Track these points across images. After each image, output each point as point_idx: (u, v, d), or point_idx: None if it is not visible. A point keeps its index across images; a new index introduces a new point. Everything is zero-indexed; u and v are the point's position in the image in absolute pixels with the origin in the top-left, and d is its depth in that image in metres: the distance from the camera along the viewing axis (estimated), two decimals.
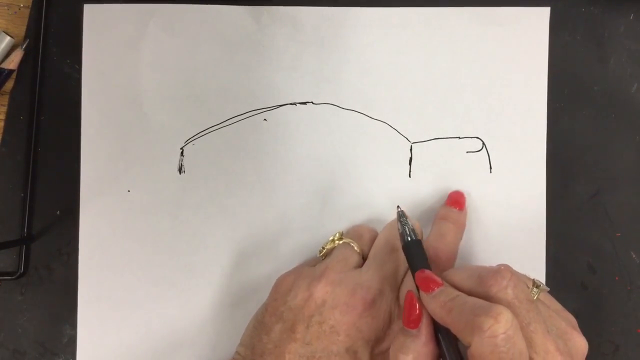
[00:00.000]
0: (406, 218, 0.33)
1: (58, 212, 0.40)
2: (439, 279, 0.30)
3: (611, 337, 0.38)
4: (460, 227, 0.36)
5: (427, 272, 0.30)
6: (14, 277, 0.39)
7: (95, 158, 0.40)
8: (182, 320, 0.39)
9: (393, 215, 0.38)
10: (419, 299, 0.30)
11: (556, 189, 0.38)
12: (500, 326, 0.26)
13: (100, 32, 0.40)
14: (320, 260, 0.36)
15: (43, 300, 0.40)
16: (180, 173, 0.39)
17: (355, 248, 0.35)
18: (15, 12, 0.41)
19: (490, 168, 0.38)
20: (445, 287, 0.29)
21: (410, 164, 0.39)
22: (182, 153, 0.39)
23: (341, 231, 0.37)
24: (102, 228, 0.39)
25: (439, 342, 0.29)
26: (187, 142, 0.40)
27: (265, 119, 0.39)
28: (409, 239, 0.32)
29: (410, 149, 0.39)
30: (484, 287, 0.28)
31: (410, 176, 0.39)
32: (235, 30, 0.40)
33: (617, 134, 0.39)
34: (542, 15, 0.38)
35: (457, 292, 0.28)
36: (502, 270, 0.28)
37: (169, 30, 0.40)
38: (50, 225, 0.40)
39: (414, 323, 0.29)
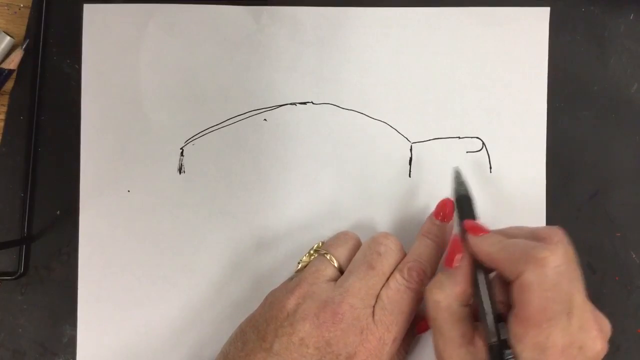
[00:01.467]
0: (461, 175, 0.35)
1: (58, 212, 0.40)
2: (487, 228, 0.31)
3: (611, 337, 0.38)
4: (440, 242, 0.35)
5: (477, 221, 0.32)
6: (14, 277, 0.39)
7: (95, 158, 0.40)
8: (182, 320, 0.39)
9: (393, 215, 0.38)
10: (463, 241, 0.32)
11: (556, 189, 0.38)
12: (555, 258, 0.27)
13: (100, 32, 0.40)
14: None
15: (43, 300, 0.40)
16: (180, 173, 0.39)
17: (332, 261, 0.34)
18: (15, 12, 0.41)
19: (490, 168, 0.38)
20: (496, 233, 0.31)
21: (410, 164, 0.39)
22: (182, 153, 0.39)
23: (322, 241, 0.36)
24: (102, 228, 0.39)
25: (475, 284, 0.31)
26: (187, 142, 0.40)
27: (265, 119, 0.39)
28: (461, 192, 0.34)
29: (410, 149, 0.39)
30: (537, 239, 0.29)
31: (410, 176, 0.39)
32: (235, 30, 0.40)
33: (617, 134, 0.39)
34: (542, 15, 0.38)
35: (508, 238, 0.30)
36: (557, 228, 0.29)
37: (169, 30, 0.40)
38: (50, 225, 0.40)
39: (450, 262, 0.31)
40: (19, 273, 0.39)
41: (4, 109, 0.40)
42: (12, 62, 0.40)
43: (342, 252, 0.35)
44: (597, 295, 0.38)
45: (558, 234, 0.29)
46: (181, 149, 0.40)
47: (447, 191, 0.38)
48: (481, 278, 0.31)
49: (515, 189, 0.38)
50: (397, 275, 0.33)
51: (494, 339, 0.29)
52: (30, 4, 0.40)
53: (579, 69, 0.39)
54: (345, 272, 0.34)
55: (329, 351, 0.31)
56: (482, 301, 0.30)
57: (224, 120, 0.39)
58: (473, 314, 0.31)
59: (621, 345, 0.38)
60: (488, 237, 0.31)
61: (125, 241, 0.39)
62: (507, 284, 0.30)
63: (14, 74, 0.40)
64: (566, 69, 0.39)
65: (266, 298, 0.34)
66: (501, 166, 0.38)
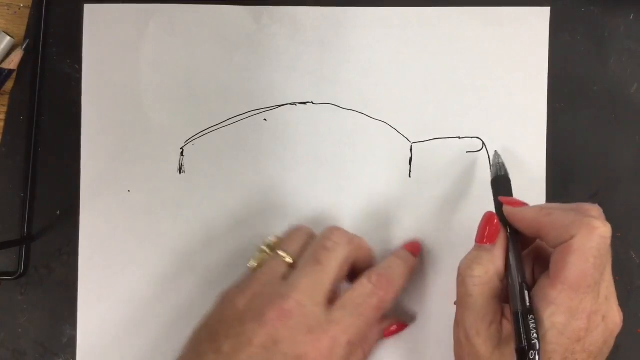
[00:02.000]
0: (499, 157, 0.36)
1: (58, 212, 0.40)
2: (525, 202, 0.33)
3: None
4: (409, 267, 0.35)
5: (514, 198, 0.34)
6: (14, 277, 0.39)
7: (96, 158, 0.40)
8: (182, 320, 0.39)
9: (393, 215, 0.38)
10: (498, 216, 0.33)
11: (556, 189, 0.38)
12: (605, 230, 0.29)
13: (100, 32, 0.40)
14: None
15: (43, 300, 0.40)
16: (180, 173, 0.39)
17: (286, 259, 0.34)
18: (15, 12, 0.41)
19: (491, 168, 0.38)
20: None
21: (410, 164, 0.39)
22: (182, 153, 0.39)
23: (275, 236, 0.36)
24: (102, 228, 0.39)
25: (507, 259, 0.32)
26: (187, 142, 0.40)
27: (265, 119, 0.39)
28: (500, 173, 0.35)
29: (410, 149, 0.39)
30: (581, 211, 0.30)
31: (410, 176, 0.39)
32: (235, 30, 0.40)
33: (617, 134, 0.39)
34: (542, 15, 0.38)
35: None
36: (596, 205, 0.30)
37: (169, 30, 0.40)
38: (50, 225, 0.40)
39: (492, 238, 0.32)
40: (19, 273, 0.39)
41: (4, 109, 0.40)
42: (12, 62, 0.40)
43: (297, 249, 0.34)
44: None
45: (599, 210, 0.30)
46: (181, 149, 0.40)
47: (446, 191, 0.38)
48: (514, 252, 0.32)
49: (515, 189, 0.38)
50: (363, 280, 0.33)
51: (522, 306, 0.29)
52: (30, 4, 0.40)
53: (579, 69, 0.39)
54: (294, 269, 0.33)
55: (276, 351, 0.30)
56: (512, 269, 0.31)
57: (224, 120, 0.39)
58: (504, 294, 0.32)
59: (621, 345, 0.38)
60: (532, 207, 0.32)
61: (125, 241, 0.39)
62: (536, 256, 0.32)
63: (14, 74, 0.40)
64: (566, 69, 0.39)
65: (217, 298, 0.34)
66: None
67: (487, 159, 0.38)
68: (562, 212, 0.30)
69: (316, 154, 0.39)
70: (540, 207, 0.31)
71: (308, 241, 0.35)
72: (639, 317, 0.38)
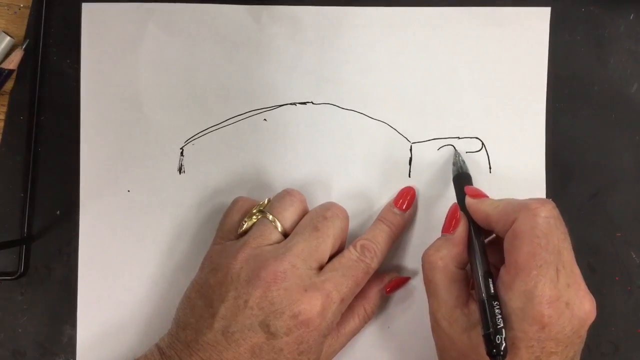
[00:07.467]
0: (459, 155, 0.38)
1: (58, 212, 0.40)
2: (485, 194, 0.34)
3: (611, 337, 0.38)
4: (396, 231, 0.36)
5: (477, 188, 0.35)
6: (14, 277, 0.39)
7: (95, 158, 0.40)
8: None
9: None
10: (461, 210, 0.34)
11: (556, 189, 0.38)
12: (544, 209, 0.30)
13: (99, 32, 0.40)
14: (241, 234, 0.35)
15: (43, 300, 0.40)
16: (180, 173, 0.39)
17: (276, 225, 0.34)
18: (15, 12, 0.41)
19: (490, 168, 0.38)
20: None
21: (410, 164, 0.39)
22: (182, 153, 0.39)
23: (266, 200, 0.36)
24: (102, 228, 0.39)
25: (471, 248, 0.33)
26: (187, 142, 0.40)
27: (265, 119, 0.39)
28: (461, 171, 0.36)
29: (410, 149, 0.39)
30: (526, 200, 0.31)
31: (410, 176, 0.39)
32: (235, 30, 0.40)
33: (617, 134, 0.39)
34: (542, 15, 0.38)
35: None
36: (550, 200, 0.31)
37: (168, 30, 0.40)
38: (50, 225, 0.40)
39: (450, 227, 0.33)
40: (19, 273, 0.39)
41: (4, 109, 0.40)
42: (12, 62, 0.39)
43: (288, 216, 0.35)
44: (597, 295, 0.38)
45: (552, 203, 0.31)
46: (181, 149, 0.40)
47: (446, 191, 0.38)
48: (476, 242, 0.33)
49: (515, 189, 0.38)
50: (350, 248, 0.34)
51: (486, 292, 0.30)
52: (30, 4, 0.40)
53: (579, 69, 0.39)
54: (291, 235, 0.34)
55: (272, 310, 0.31)
56: (476, 260, 0.32)
57: (224, 120, 0.39)
58: (468, 280, 0.33)
59: (621, 345, 0.38)
60: (486, 200, 0.33)
61: (125, 241, 0.39)
62: (500, 245, 0.32)
63: (14, 74, 0.40)
64: (566, 69, 0.39)
65: (206, 261, 0.35)
66: (501, 166, 0.38)
67: (487, 159, 0.38)
68: (507, 203, 0.32)
69: (316, 154, 0.39)
70: (492, 201, 0.33)
71: (300, 209, 0.36)
72: (639, 317, 0.38)
